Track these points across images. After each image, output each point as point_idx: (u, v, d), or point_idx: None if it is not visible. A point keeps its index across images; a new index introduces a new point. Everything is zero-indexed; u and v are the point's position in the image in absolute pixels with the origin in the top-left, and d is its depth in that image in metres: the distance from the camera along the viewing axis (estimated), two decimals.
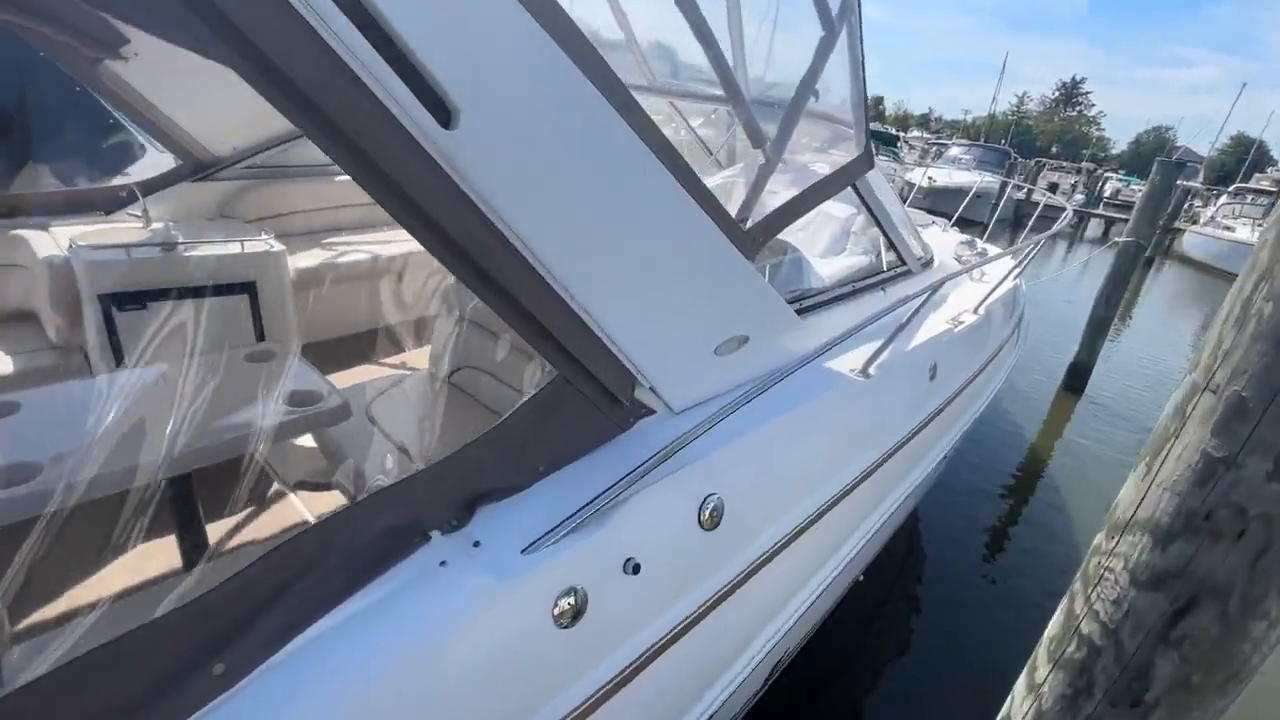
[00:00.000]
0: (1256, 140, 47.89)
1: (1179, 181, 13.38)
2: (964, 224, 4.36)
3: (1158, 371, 7.41)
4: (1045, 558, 3.67)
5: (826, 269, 2.20)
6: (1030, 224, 4.67)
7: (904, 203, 3.27)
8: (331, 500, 1.97)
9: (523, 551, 1.00)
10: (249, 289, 2.32)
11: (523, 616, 0.98)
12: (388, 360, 2.62)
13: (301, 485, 2.06)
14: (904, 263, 2.46)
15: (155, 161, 2.62)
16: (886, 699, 2.65)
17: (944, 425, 2.37)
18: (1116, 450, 5.15)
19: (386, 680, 0.84)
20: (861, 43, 2.03)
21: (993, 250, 3.54)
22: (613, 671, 1.12)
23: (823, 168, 2.03)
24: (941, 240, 3.61)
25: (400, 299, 3.03)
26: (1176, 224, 18.86)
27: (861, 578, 2.40)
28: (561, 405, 1.15)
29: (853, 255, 2.57)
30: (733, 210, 1.42)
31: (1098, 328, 5.95)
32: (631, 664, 1.14)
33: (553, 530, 1.03)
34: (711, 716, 1.42)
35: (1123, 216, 17.15)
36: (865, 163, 2.09)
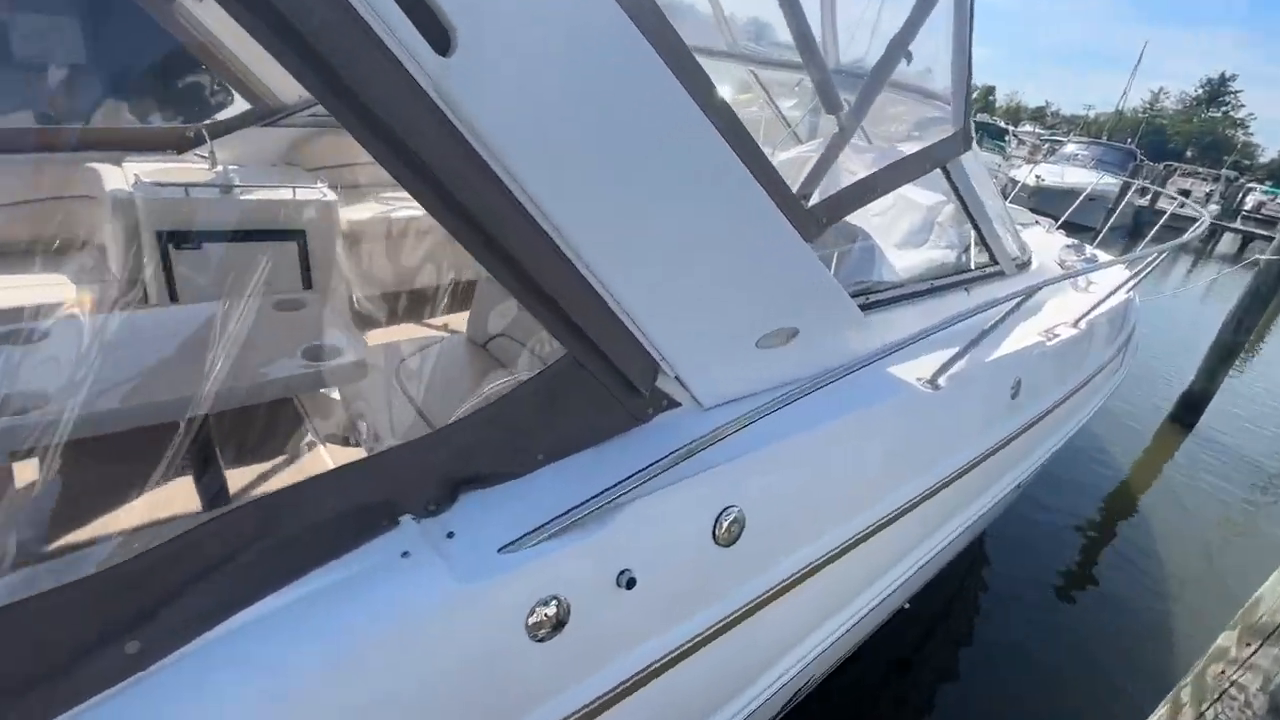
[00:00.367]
0: None
1: None
2: (1073, 229, 3.86)
3: None
4: (1129, 609, 3.26)
5: (902, 261, 1.95)
6: (1151, 234, 4.10)
7: (1005, 199, 2.91)
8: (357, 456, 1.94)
9: (500, 550, 0.89)
10: (299, 236, 2.33)
11: (486, 625, 0.86)
12: (432, 320, 2.59)
13: (332, 439, 2.05)
14: (995, 262, 2.16)
15: (230, 105, 2.68)
16: None
17: (1021, 451, 2.08)
18: (1226, 499, 4.54)
19: (321, 682, 0.75)
20: (972, 6, 1.75)
21: (1103, 257, 3.12)
22: (592, 695, 0.99)
23: (910, 147, 1.78)
24: (1044, 241, 3.19)
25: (452, 259, 2.98)
26: None
27: (908, 605, 2.18)
28: (571, 388, 1.01)
29: (935, 249, 2.28)
30: (794, 186, 1.24)
31: (1223, 355, 5.27)
32: (614, 688, 1.01)
33: (540, 528, 0.91)
34: None
35: (1265, 233, 15.50)
36: (961, 143, 1.81)
